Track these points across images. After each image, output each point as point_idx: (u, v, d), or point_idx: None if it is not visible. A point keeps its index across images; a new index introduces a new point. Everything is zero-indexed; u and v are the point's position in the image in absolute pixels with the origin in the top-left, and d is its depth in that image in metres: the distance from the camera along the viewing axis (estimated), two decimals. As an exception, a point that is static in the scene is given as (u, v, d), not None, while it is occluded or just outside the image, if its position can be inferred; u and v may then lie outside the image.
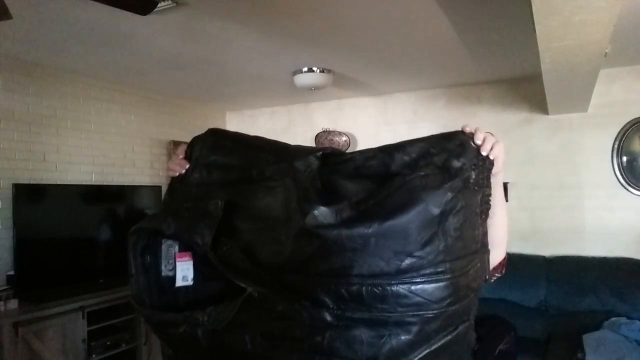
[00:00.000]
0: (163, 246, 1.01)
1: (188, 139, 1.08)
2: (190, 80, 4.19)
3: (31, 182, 3.47)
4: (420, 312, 0.77)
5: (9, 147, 3.42)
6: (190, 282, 0.96)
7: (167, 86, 4.44)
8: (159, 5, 2.40)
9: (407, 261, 0.76)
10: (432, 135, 0.88)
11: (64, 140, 3.81)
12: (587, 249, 3.90)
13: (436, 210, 0.77)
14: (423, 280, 0.76)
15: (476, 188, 0.85)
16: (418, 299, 0.76)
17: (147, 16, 2.31)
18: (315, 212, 0.79)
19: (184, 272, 0.96)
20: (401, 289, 0.75)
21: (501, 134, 4.18)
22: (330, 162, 0.91)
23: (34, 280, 3.31)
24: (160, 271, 0.99)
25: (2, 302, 3.07)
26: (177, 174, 1.04)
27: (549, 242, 4.04)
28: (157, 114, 4.70)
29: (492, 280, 1.02)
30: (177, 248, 0.99)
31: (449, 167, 0.82)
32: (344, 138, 4.94)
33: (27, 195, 3.35)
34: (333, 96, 4.89)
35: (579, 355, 3.04)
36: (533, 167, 4.14)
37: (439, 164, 0.82)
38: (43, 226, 3.43)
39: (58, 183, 3.68)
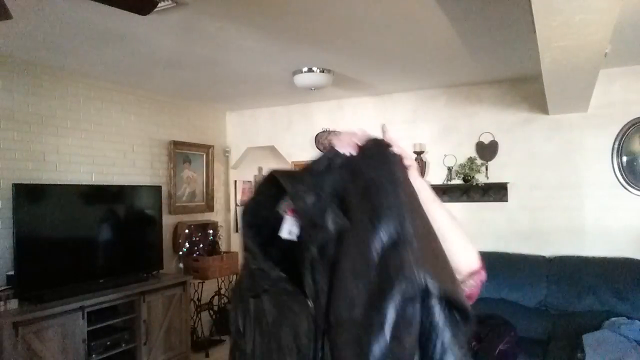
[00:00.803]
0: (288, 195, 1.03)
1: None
2: (190, 80, 4.19)
3: (31, 182, 3.47)
4: None
5: (9, 147, 3.42)
6: (294, 238, 0.96)
7: (167, 86, 4.44)
8: (159, 5, 2.40)
9: None
10: None
11: (64, 140, 3.81)
12: (587, 249, 3.90)
13: None
14: None
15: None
16: None
17: (147, 16, 2.32)
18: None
19: (292, 227, 0.96)
20: None
21: (501, 134, 4.25)
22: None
23: (34, 280, 3.31)
24: (279, 211, 1.02)
25: (2, 302, 3.07)
26: (342, 152, 0.91)
27: (549, 242, 4.04)
28: (157, 114, 4.70)
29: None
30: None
31: None
32: (344, 138, 4.93)
33: (27, 195, 3.35)
34: (333, 96, 4.89)
35: (579, 355, 3.04)
36: (533, 167, 4.15)
37: None
38: (43, 226, 3.43)
39: (58, 183, 3.68)
